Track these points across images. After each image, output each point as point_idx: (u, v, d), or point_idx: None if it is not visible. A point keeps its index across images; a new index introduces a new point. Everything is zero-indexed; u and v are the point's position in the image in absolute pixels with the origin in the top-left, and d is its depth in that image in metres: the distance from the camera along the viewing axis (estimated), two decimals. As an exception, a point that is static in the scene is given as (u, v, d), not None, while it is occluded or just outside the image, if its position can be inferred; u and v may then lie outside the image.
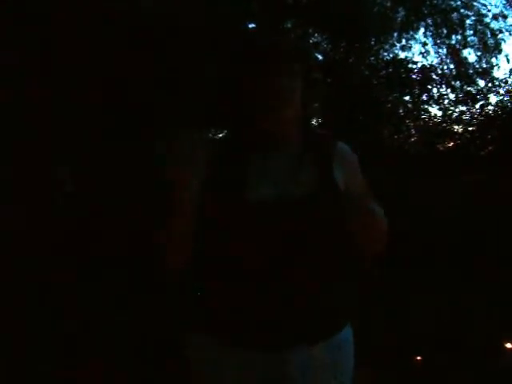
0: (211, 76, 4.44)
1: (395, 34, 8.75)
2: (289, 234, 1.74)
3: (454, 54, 8.99)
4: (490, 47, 8.90)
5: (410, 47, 8.99)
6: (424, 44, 9.01)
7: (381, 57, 8.94)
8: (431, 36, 8.96)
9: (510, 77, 9.18)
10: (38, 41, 4.57)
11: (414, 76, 8.97)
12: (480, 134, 9.34)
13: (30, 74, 4.51)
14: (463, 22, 8.78)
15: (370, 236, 1.75)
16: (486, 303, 4.98)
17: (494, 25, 8.87)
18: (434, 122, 9.53)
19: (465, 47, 8.94)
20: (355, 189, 1.91)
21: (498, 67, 9.09)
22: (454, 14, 8.75)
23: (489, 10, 8.85)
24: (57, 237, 4.50)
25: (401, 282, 5.34)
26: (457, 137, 9.50)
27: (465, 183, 7.79)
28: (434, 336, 4.46)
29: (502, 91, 9.29)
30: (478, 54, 8.99)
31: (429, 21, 8.81)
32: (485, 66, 9.06)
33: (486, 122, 9.27)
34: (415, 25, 8.76)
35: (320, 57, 8.49)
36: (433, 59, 9.15)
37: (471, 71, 9.10)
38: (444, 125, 9.48)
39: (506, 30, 8.88)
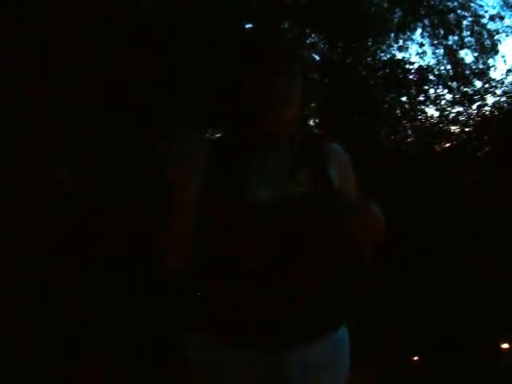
0: (211, 76, 4.44)
1: (392, 35, 8.77)
2: (289, 233, 1.74)
3: (451, 54, 9.00)
4: (487, 48, 8.92)
5: (407, 48, 9.01)
6: (421, 45, 9.03)
7: (378, 57, 8.95)
8: (428, 37, 8.98)
9: (506, 78, 9.21)
10: (38, 41, 4.56)
11: (410, 76, 8.98)
12: (477, 134, 9.35)
13: (30, 74, 4.51)
14: (460, 22, 8.80)
15: (370, 235, 1.76)
16: (486, 303, 4.99)
17: (491, 26, 8.91)
18: (431, 123, 9.53)
19: (462, 48, 8.96)
20: (348, 189, 1.92)
21: (495, 68, 9.13)
22: (451, 15, 8.77)
23: (486, 11, 8.89)
24: (57, 237, 4.49)
25: (401, 282, 5.34)
26: (454, 137, 9.51)
27: (461, 184, 7.80)
28: (434, 336, 4.46)
29: (498, 92, 9.31)
30: (475, 54, 9.02)
31: (426, 21, 8.83)
32: (482, 66, 9.09)
33: (483, 122, 9.28)
34: (412, 25, 8.77)
35: (317, 57, 8.49)
36: (430, 60, 9.17)
37: (468, 72, 9.11)
38: (441, 125, 9.49)
39: (503, 31, 8.93)
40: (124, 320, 4.26)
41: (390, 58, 8.97)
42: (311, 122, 8.41)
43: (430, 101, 9.30)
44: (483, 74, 9.14)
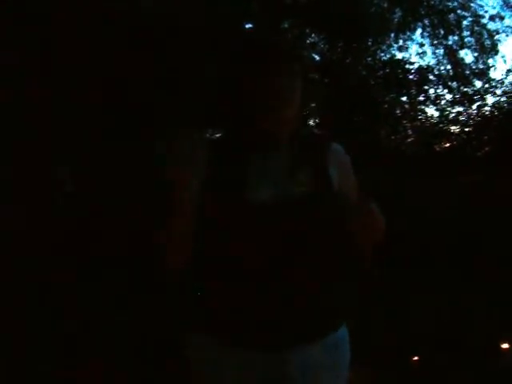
0: (211, 76, 4.43)
1: (392, 35, 8.77)
2: (289, 233, 1.74)
3: (451, 54, 9.01)
4: (487, 48, 8.93)
5: (407, 48, 9.03)
6: (421, 45, 9.05)
7: (378, 57, 8.96)
8: (428, 37, 8.99)
9: (506, 78, 9.21)
10: (38, 41, 4.56)
11: (411, 76, 8.99)
12: (477, 134, 9.35)
13: (30, 74, 4.51)
14: (460, 22, 8.81)
15: (370, 236, 1.76)
16: (486, 303, 4.98)
17: (491, 26, 8.93)
18: (431, 123, 9.53)
19: (462, 48, 8.97)
20: (348, 189, 1.92)
21: (495, 68, 9.14)
22: (451, 15, 8.78)
23: (486, 11, 8.91)
24: (57, 237, 4.49)
25: (401, 282, 5.34)
26: (453, 137, 9.51)
27: (461, 184, 7.80)
28: (434, 336, 4.46)
29: (498, 92, 9.32)
30: (475, 54, 9.04)
31: (426, 21, 8.84)
32: (481, 66, 9.10)
33: (483, 122, 9.28)
34: (412, 25, 8.78)
35: (317, 57, 8.50)
36: (430, 60, 9.19)
37: (468, 72, 9.12)
38: (441, 125, 9.49)
39: (503, 31, 8.95)
40: (124, 320, 4.26)
41: (390, 58, 8.98)
42: (311, 122, 8.42)
43: (430, 101, 9.31)
44: (483, 74, 9.15)
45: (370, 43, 8.62)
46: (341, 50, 8.51)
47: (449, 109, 9.41)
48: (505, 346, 4.37)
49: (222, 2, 5.80)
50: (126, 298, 4.38)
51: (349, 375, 1.94)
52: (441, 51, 9.04)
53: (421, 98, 9.25)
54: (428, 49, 9.07)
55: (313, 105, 8.21)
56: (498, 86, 9.25)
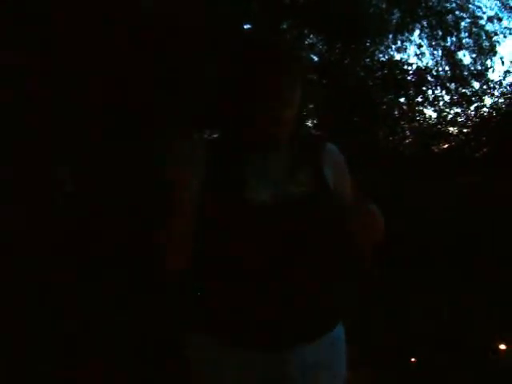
0: (211, 76, 4.43)
1: (390, 36, 8.77)
2: (289, 234, 1.74)
3: (449, 55, 9.02)
4: (485, 49, 8.95)
5: (406, 49, 9.02)
6: (419, 46, 9.04)
7: (376, 58, 8.96)
8: (426, 38, 8.99)
9: (504, 79, 9.22)
10: (38, 41, 4.56)
11: (409, 78, 8.99)
12: (475, 135, 9.37)
13: (30, 74, 4.51)
14: (458, 24, 8.82)
15: (369, 236, 1.76)
16: (486, 303, 5.00)
17: (489, 27, 8.94)
18: (429, 124, 9.54)
19: (460, 49, 8.98)
20: (343, 189, 1.93)
21: (493, 69, 9.16)
22: (449, 16, 8.78)
23: (484, 13, 8.91)
24: (57, 237, 4.48)
25: (401, 282, 5.35)
26: (452, 138, 9.52)
27: (460, 185, 7.81)
28: (434, 336, 4.47)
29: (496, 93, 9.33)
30: (473, 56, 9.04)
31: (424, 23, 8.84)
32: (480, 68, 9.11)
33: (481, 123, 9.29)
34: (410, 26, 8.79)
35: (316, 58, 8.50)
36: (428, 61, 9.18)
37: (466, 73, 9.14)
38: (439, 126, 9.50)
39: (501, 33, 8.95)
40: (124, 320, 4.26)
41: (389, 59, 8.98)
42: (309, 123, 8.43)
43: (428, 102, 9.31)
44: (481, 76, 9.17)
45: (368, 44, 8.63)
46: (339, 51, 8.52)
47: (447, 110, 9.43)
48: (504, 346, 4.38)
49: (221, 2, 5.80)
50: (126, 298, 4.38)
51: (349, 375, 1.95)
52: (439, 52, 9.06)
53: (419, 99, 9.26)
54: (426, 50, 9.08)
55: (311, 106, 8.22)
56: (496, 87, 9.27)
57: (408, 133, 9.55)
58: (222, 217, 1.75)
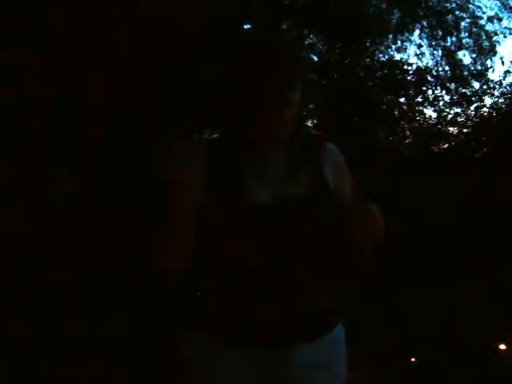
0: (211, 76, 4.43)
1: (390, 36, 8.78)
2: (289, 234, 1.74)
3: (449, 55, 9.03)
4: (485, 49, 8.95)
5: (406, 49, 9.04)
6: (419, 46, 9.05)
7: (376, 58, 8.96)
8: (426, 38, 9.00)
9: (504, 79, 9.23)
10: (38, 41, 4.56)
11: (409, 78, 9.00)
12: (475, 135, 9.38)
13: (30, 74, 4.50)
14: (458, 24, 8.83)
15: (369, 236, 1.76)
16: (486, 303, 4.99)
17: (489, 27, 8.95)
18: (429, 124, 9.55)
19: (460, 49, 8.99)
20: (344, 189, 1.93)
21: (493, 69, 9.17)
22: (449, 16, 8.79)
23: (484, 13, 8.92)
24: (57, 237, 4.48)
25: (401, 282, 5.35)
26: (452, 138, 9.53)
27: (460, 185, 7.81)
28: (434, 336, 4.47)
29: (496, 93, 9.35)
30: (473, 56, 9.05)
31: (424, 23, 8.85)
32: (480, 68, 9.12)
33: (481, 123, 9.30)
34: (410, 26, 8.79)
35: (315, 58, 8.50)
36: (428, 61, 9.19)
37: (466, 73, 9.14)
38: (439, 126, 9.51)
39: (501, 33, 8.96)
40: (124, 320, 4.25)
41: (389, 59, 8.99)
42: (309, 123, 8.43)
43: (428, 102, 9.32)
44: (481, 76, 9.17)
45: (368, 44, 8.63)
46: (339, 51, 8.52)
47: (447, 110, 9.44)
48: (504, 346, 4.38)
49: (221, 2, 5.80)
50: (126, 298, 4.37)
51: (349, 375, 1.95)
52: (439, 52, 9.07)
53: (419, 99, 9.26)
54: (426, 50, 9.09)
55: (311, 106, 8.22)
56: (496, 87, 9.28)
57: (408, 133, 9.56)
58: (222, 217, 1.74)
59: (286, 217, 1.75)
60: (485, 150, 9.26)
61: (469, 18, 8.86)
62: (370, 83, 8.76)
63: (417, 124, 9.51)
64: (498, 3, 8.93)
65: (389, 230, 1.82)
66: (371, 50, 8.78)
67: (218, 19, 5.43)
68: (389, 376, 3.98)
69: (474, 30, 8.88)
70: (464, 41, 8.92)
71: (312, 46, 8.45)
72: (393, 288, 5.16)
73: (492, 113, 9.33)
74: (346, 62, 8.58)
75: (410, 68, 9.01)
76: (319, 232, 1.78)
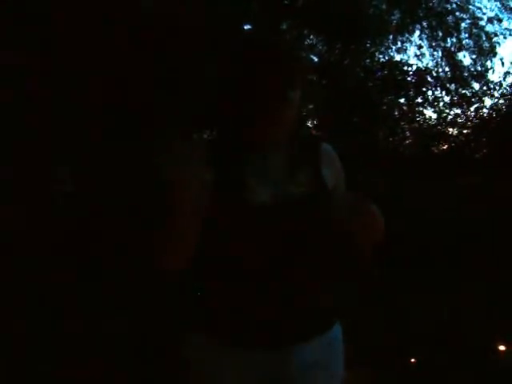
0: (211, 76, 4.43)
1: (390, 37, 8.77)
2: (289, 234, 1.75)
3: (449, 56, 9.01)
4: (485, 50, 8.94)
5: (406, 49, 9.01)
6: (419, 46, 9.03)
7: (376, 59, 8.94)
8: (426, 39, 8.99)
9: (504, 80, 9.21)
10: (38, 41, 4.56)
11: (409, 78, 8.97)
12: (475, 136, 9.36)
13: (30, 74, 4.50)
14: (458, 25, 8.82)
15: (369, 236, 1.76)
16: (486, 303, 5.00)
17: (489, 28, 8.93)
18: (429, 125, 9.52)
19: (460, 50, 8.97)
20: (342, 188, 1.94)
21: (493, 70, 9.12)
22: (450, 17, 8.78)
23: (484, 14, 8.90)
24: (57, 237, 4.48)
25: (401, 282, 5.35)
26: (451, 139, 9.50)
27: (460, 186, 7.81)
28: (434, 336, 4.47)
29: (496, 94, 9.31)
30: (473, 57, 9.03)
31: (424, 23, 8.83)
32: (480, 69, 9.09)
33: (481, 124, 9.28)
34: (410, 27, 8.78)
35: (315, 59, 8.49)
36: (428, 62, 9.16)
37: (466, 74, 9.13)
38: (439, 127, 9.49)
39: (501, 34, 8.93)
40: (124, 320, 4.25)
41: (388, 60, 8.97)
42: (309, 123, 8.42)
43: (428, 103, 9.29)
44: (481, 76, 9.15)
45: (368, 45, 8.61)
46: (339, 52, 8.51)
47: (447, 111, 9.41)
48: (504, 346, 4.38)
49: (221, 2, 5.80)
50: (126, 298, 4.37)
51: (348, 375, 1.95)
52: (439, 53, 9.05)
53: (419, 100, 9.23)
54: (426, 51, 9.07)
55: (311, 106, 8.22)
56: (496, 88, 9.25)
57: (408, 133, 9.54)
58: (222, 217, 1.75)
59: (285, 217, 1.76)
60: (485, 150, 9.25)
61: (469, 18, 8.85)
62: (369, 84, 8.74)
63: (417, 125, 9.49)
64: (498, 4, 8.93)
65: (389, 230, 1.82)
66: (371, 50, 8.77)
67: (218, 19, 5.43)
68: (389, 376, 3.99)
69: (474, 31, 8.88)
70: (464, 42, 8.91)
71: (312, 46, 8.44)
72: (393, 288, 5.16)
73: (492, 114, 9.31)
74: (346, 62, 8.56)
75: (410, 69, 8.99)
76: (319, 232, 1.79)
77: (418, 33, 8.90)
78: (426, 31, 8.86)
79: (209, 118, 4.18)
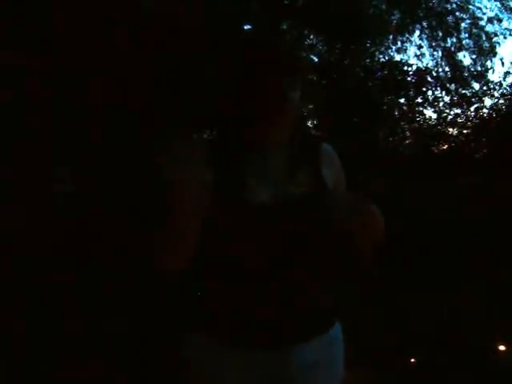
0: (211, 76, 4.43)
1: (390, 37, 8.77)
2: (289, 234, 1.75)
3: (449, 56, 9.01)
4: (485, 50, 8.94)
5: (406, 49, 9.02)
6: (419, 46, 9.03)
7: (376, 59, 8.95)
8: (426, 39, 8.99)
9: (504, 80, 9.21)
10: (38, 41, 4.56)
11: (409, 78, 8.97)
12: (475, 136, 9.36)
13: (30, 74, 4.50)
14: (458, 25, 8.81)
15: (369, 236, 1.76)
16: (486, 303, 5.00)
17: (489, 28, 8.93)
18: (429, 125, 9.52)
19: (460, 50, 8.97)
20: (342, 188, 1.94)
21: (493, 70, 9.13)
22: (450, 17, 8.78)
23: (484, 14, 8.90)
24: (57, 237, 4.48)
25: (401, 282, 5.35)
26: (451, 139, 9.50)
27: (460, 186, 7.81)
28: (434, 336, 4.47)
29: (496, 94, 9.31)
30: (473, 56, 9.03)
31: (424, 23, 8.83)
32: (480, 69, 9.10)
33: (481, 124, 9.28)
34: (410, 27, 8.78)
35: (315, 58, 8.49)
36: (428, 62, 9.17)
37: (466, 74, 9.13)
38: (439, 127, 9.49)
39: (501, 34, 8.94)
40: (124, 320, 4.25)
41: (388, 60, 8.97)
42: (309, 123, 8.43)
43: (428, 103, 9.30)
44: (481, 76, 9.16)
45: (368, 45, 8.62)
46: (339, 52, 8.51)
47: (447, 111, 9.42)
48: (504, 346, 4.38)
49: (221, 2, 5.80)
50: (126, 298, 4.37)
51: (349, 375, 1.95)
52: (439, 53, 9.05)
53: (419, 100, 9.24)
54: (426, 51, 9.07)
55: (311, 106, 8.23)
56: (496, 88, 9.26)
57: (408, 133, 9.54)
58: (222, 217, 1.75)
59: (285, 217, 1.76)
60: (485, 150, 9.25)
61: (469, 18, 8.85)
62: (369, 84, 8.74)
63: (417, 125, 9.50)
64: (498, 4, 8.93)
65: (389, 230, 1.82)
66: (371, 50, 8.77)
67: (218, 19, 5.43)
68: (389, 376, 3.99)
69: (474, 31, 8.88)
70: (464, 42, 8.91)
71: (312, 46, 8.44)
72: (393, 288, 5.16)
73: (492, 114, 9.32)
74: (346, 62, 8.56)
75: (410, 69, 8.99)
76: (319, 232, 1.78)
77: (417, 33, 8.92)
78: (426, 31, 8.87)
79: (209, 117, 4.18)
